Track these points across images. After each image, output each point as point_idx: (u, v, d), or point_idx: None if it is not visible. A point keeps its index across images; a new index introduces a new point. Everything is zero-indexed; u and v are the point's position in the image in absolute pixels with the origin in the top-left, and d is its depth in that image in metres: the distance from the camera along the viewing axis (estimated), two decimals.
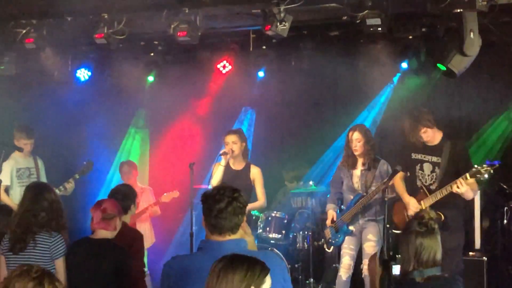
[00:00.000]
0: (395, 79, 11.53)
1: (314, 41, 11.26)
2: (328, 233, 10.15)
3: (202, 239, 5.01)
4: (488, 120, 11.23)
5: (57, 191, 9.18)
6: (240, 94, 12.55)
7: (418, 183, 9.15)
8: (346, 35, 11.04)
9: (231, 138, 9.95)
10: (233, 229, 4.86)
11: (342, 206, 10.09)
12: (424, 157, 9.09)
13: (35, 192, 7.23)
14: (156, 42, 11.91)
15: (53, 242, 6.95)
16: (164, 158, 12.64)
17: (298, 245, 11.13)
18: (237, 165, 10.08)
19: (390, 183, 8.97)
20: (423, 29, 10.35)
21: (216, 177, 10.02)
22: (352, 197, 9.79)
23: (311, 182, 11.19)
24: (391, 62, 11.08)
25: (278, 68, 11.78)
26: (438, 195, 8.84)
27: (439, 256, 5.62)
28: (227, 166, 10.02)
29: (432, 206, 8.78)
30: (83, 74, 12.53)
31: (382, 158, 9.75)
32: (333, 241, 10.01)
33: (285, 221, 10.95)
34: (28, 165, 10.89)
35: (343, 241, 9.85)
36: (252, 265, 4.22)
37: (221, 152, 10.05)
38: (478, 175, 8.35)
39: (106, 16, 9.70)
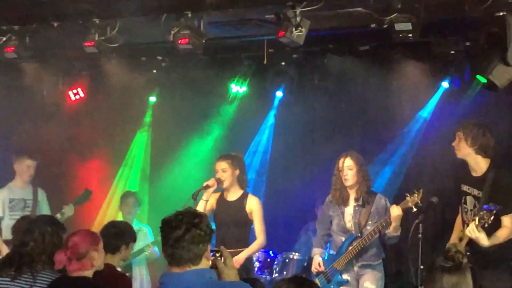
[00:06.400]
0: (435, 100, 10.60)
1: (341, 56, 10.50)
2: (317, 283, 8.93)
3: (164, 272, 4.66)
4: None
5: (58, 215, 9.41)
6: (255, 117, 11.86)
7: (465, 218, 8.03)
8: (377, 49, 10.27)
9: (220, 165, 9.03)
10: (193, 260, 4.54)
11: (330, 251, 9.02)
12: (469, 189, 8.00)
13: (29, 222, 6.79)
14: (159, 58, 11.10)
15: None
16: (166, 191, 11.74)
17: None
18: (232, 195, 9.09)
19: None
20: (467, 43, 9.58)
21: None
22: (343, 239, 8.64)
23: None
24: (430, 81, 10.35)
25: (299, 88, 11.07)
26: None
27: None
28: (221, 197, 9.12)
29: None
30: (75, 94, 11.91)
31: (417, 189, 8.41)
32: None
33: (305, 263, 10.06)
34: (24, 197, 10.58)
35: None
36: None
37: (204, 184, 9.00)
38: (482, 221, 7.31)
39: (97, 22, 8.95)
